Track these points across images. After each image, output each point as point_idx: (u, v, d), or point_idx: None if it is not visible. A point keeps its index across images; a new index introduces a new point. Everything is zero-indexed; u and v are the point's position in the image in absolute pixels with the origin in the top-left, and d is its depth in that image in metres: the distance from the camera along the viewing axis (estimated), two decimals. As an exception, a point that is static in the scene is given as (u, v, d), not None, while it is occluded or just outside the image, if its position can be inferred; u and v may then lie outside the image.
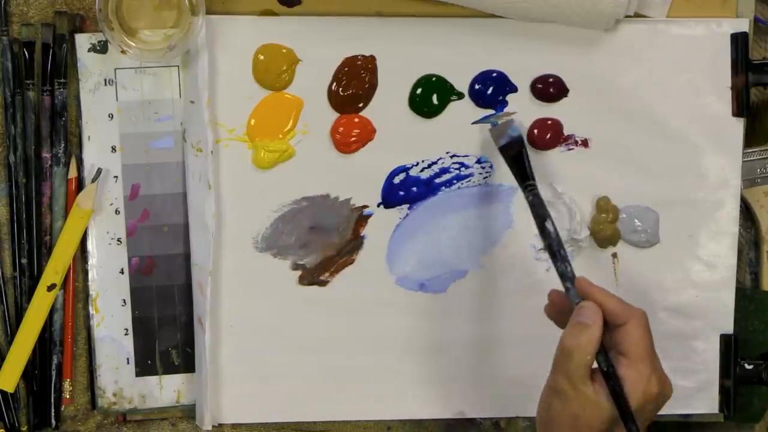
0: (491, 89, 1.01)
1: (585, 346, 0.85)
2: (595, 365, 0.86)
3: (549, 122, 1.02)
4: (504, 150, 0.97)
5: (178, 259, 1.01)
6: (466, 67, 1.01)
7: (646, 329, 0.87)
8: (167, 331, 1.01)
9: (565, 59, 1.01)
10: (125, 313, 1.01)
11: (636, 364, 0.85)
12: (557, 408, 0.87)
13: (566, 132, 1.02)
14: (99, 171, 0.99)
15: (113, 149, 1.00)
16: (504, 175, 1.02)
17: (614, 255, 1.03)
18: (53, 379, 1.00)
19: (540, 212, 0.92)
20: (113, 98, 0.99)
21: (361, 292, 1.02)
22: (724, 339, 1.04)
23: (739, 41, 1.01)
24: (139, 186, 1.00)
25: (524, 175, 0.95)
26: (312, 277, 1.02)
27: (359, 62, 1.00)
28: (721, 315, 1.04)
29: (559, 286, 0.90)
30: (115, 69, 0.99)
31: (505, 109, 1.01)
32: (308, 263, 1.02)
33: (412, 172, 1.02)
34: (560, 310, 0.91)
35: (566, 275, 0.90)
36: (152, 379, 1.01)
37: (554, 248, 0.91)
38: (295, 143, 1.01)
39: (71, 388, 1.01)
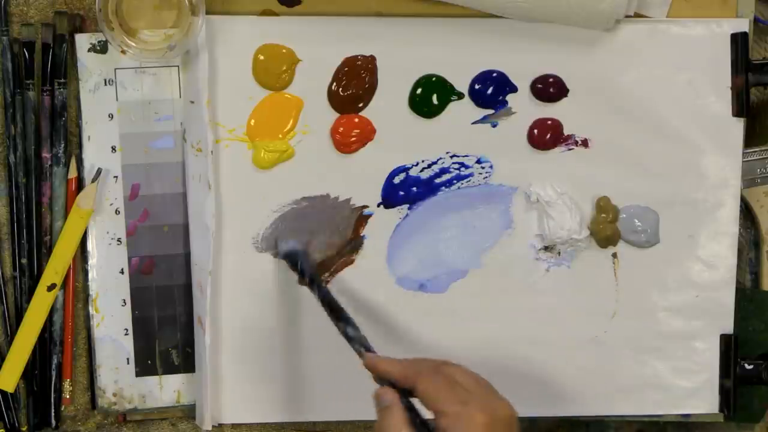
0: (491, 89, 1.01)
1: (393, 427, 0.84)
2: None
3: (549, 122, 1.02)
4: (286, 258, 1.00)
5: (178, 259, 1.01)
6: (466, 67, 1.01)
7: (436, 378, 0.84)
8: (167, 331, 1.01)
9: (565, 59, 1.01)
10: (125, 313, 1.01)
11: (445, 411, 0.83)
12: None
13: (566, 132, 1.02)
14: (99, 171, 0.99)
15: (113, 149, 1.00)
16: (504, 175, 1.02)
17: (614, 255, 1.03)
18: (53, 379, 1.00)
19: (330, 304, 0.95)
20: (113, 98, 0.99)
21: (361, 292, 1.02)
22: (724, 339, 1.04)
23: (739, 41, 1.01)
24: (139, 186, 1.00)
25: (304, 274, 0.98)
26: (312, 277, 1.02)
27: (359, 62, 1.00)
28: (721, 315, 1.04)
29: None
30: (115, 69, 0.99)
31: (505, 109, 1.01)
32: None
33: (412, 172, 1.02)
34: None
35: (360, 355, 0.91)
36: (152, 379, 1.01)
37: (348, 334, 0.92)
38: (295, 143, 1.01)
39: (71, 388, 1.01)
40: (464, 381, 0.85)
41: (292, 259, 0.99)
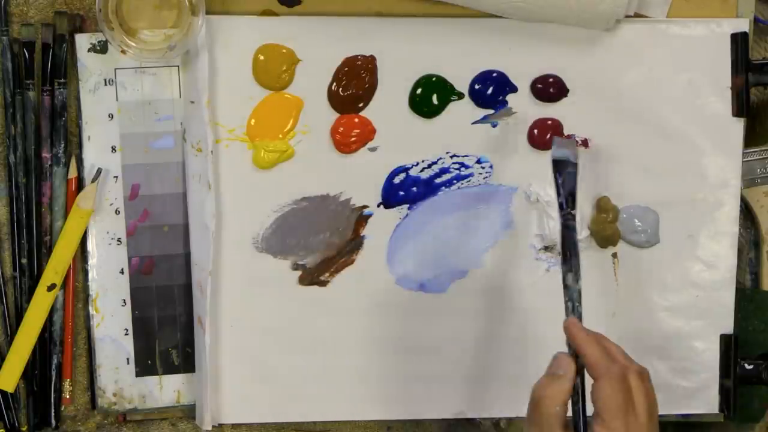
0: (491, 89, 1.01)
1: (553, 396, 0.85)
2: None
3: (549, 122, 1.02)
4: (556, 164, 0.96)
5: (178, 259, 1.01)
6: (466, 67, 1.01)
7: (616, 386, 0.84)
8: (167, 331, 1.01)
9: (565, 59, 1.01)
10: (125, 313, 1.01)
11: (608, 423, 0.83)
12: None
13: (566, 132, 1.02)
14: (99, 171, 0.99)
15: (113, 149, 1.00)
16: (504, 175, 1.02)
17: (614, 255, 1.03)
18: (53, 379, 1.00)
19: (568, 240, 0.92)
20: (113, 98, 0.99)
21: (361, 292, 1.02)
22: (724, 339, 1.04)
23: (739, 41, 1.01)
24: (139, 186, 1.00)
25: (567, 201, 0.94)
26: (312, 277, 1.02)
27: (359, 62, 1.00)
28: (721, 315, 1.04)
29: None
30: (115, 69, 0.99)
31: (505, 109, 1.01)
32: (308, 263, 1.02)
33: (412, 172, 1.02)
34: None
35: (566, 313, 0.90)
36: (152, 379, 1.01)
37: (567, 283, 0.90)
38: (295, 143, 1.01)
39: (71, 388, 1.01)
40: (639, 405, 0.84)
41: (559, 168, 0.95)
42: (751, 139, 1.05)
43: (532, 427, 0.86)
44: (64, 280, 0.99)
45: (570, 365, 0.86)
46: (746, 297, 1.05)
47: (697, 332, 1.04)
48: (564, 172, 0.95)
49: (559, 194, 0.94)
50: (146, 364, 1.01)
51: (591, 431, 0.84)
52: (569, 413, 0.86)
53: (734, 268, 1.04)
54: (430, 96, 1.01)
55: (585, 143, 1.02)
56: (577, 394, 0.86)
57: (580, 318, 0.90)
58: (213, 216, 0.98)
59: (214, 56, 0.99)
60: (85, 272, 1.00)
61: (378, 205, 1.02)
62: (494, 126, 1.02)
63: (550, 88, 1.01)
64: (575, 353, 0.87)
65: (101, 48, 0.99)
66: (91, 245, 1.00)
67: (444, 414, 1.04)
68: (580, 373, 0.86)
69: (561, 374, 0.86)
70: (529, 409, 0.86)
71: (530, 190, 1.02)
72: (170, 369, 1.02)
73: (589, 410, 0.86)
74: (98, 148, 1.00)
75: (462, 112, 1.01)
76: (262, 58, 0.99)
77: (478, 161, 1.02)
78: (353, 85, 1.00)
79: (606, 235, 1.02)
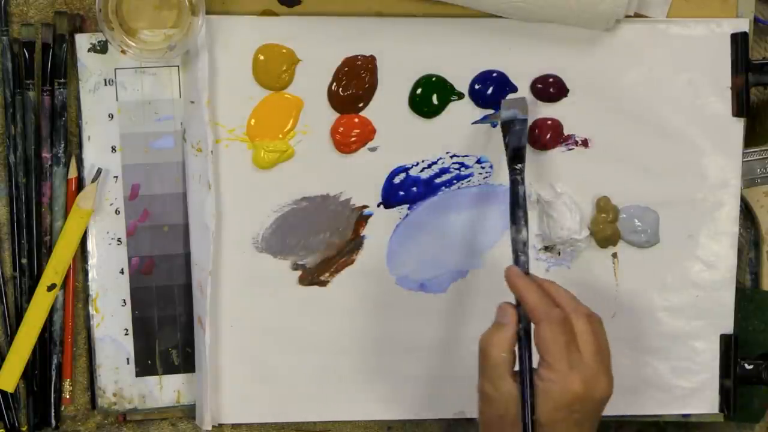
0: (491, 89, 1.01)
1: (498, 344, 0.87)
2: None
3: (549, 122, 1.02)
4: (504, 126, 0.97)
5: (178, 259, 1.01)
6: (466, 67, 1.01)
7: (558, 330, 0.86)
8: (167, 331, 1.01)
9: (565, 59, 1.01)
10: (125, 313, 1.01)
11: (550, 364, 0.85)
12: (484, 410, 0.88)
13: (566, 132, 1.02)
14: (99, 171, 0.99)
15: (113, 149, 1.00)
16: (504, 175, 1.02)
17: (614, 255, 1.03)
18: (53, 379, 1.00)
19: (515, 193, 0.93)
20: (113, 98, 0.99)
21: (361, 292, 1.02)
22: (724, 339, 1.04)
23: (739, 41, 1.01)
24: (139, 186, 1.00)
25: (514, 157, 0.95)
26: (312, 277, 1.02)
27: (359, 62, 1.00)
28: (721, 315, 1.04)
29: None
30: (115, 69, 0.99)
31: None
32: (308, 263, 1.02)
33: (412, 172, 1.02)
34: None
35: (516, 261, 0.91)
36: (152, 379, 1.01)
37: (512, 235, 0.92)
38: (295, 143, 1.01)
39: (71, 388, 1.01)
40: (584, 345, 0.86)
41: (508, 126, 0.96)
42: (751, 139, 1.05)
43: (483, 377, 0.88)
44: (64, 280, 0.99)
45: (512, 313, 0.88)
46: (746, 297, 1.05)
47: (697, 332, 1.04)
48: (512, 130, 0.96)
49: (507, 152, 0.95)
50: (146, 364, 1.01)
51: (536, 374, 0.86)
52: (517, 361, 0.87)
53: (734, 268, 1.04)
54: (430, 96, 1.01)
55: (585, 143, 1.02)
56: (521, 340, 0.88)
57: (524, 267, 0.91)
58: (213, 216, 0.98)
59: (214, 56, 0.99)
60: (85, 272, 1.00)
61: (378, 205, 1.02)
62: (494, 126, 1.02)
63: (550, 88, 1.01)
64: (518, 302, 0.89)
65: (101, 48, 0.99)
66: (91, 245, 1.00)
67: (444, 414, 1.04)
68: (523, 320, 0.88)
69: (505, 323, 0.88)
70: (479, 359, 0.88)
71: (530, 190, 1.02)
72: (170, 369, 1.02)
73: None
74: (98, 148, 0.99)
75: (462, 112, 1.01)
76: (262, 58, 0.99)
77: (478, 161, 1.02)
78: (353, 85, 1.00)
79: (606, 235, 1.02)
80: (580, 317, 0.87)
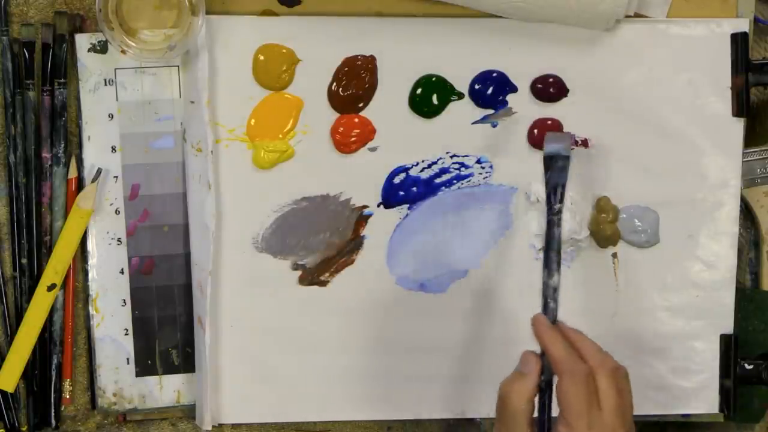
0: (491, 89, 1.01)
1: (518, 393, 0.86)
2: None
3: (549, 122, 1.02)
4: (547, 160, 0.95)
5: (178, 259, 1.01)
6: (466, 67, 1.01)
7: (579, 385, 0.85)
8: (167, 331, 1.01)
9: (565, 59, 1.01)
10: (125, 313, 1.01)
11: (569, 421, 0.84)
12: None
13: (566, 132, 1.02)
14: (99, 171, 0.99)
15: (113, 149, 1.00)
16: (504, 175, 1.02)
17: (614, 255, 1.03)
18: (53, 379, 1.00)
19: (551, 236, 0.91)
20: (113, 98, 0.99)
21: (361, 292, 1.02)
22: (724, 339, 1.04)
23: (739, 41, 1.01)
24: (139, 186, 1.00)
25: (554, 194, 0.93)
26: (312, 277, 1.02)
27: (359, 62, 1.00)
28: (721, 315, 1.04)
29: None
30: (115, 69, 0.99)
31: (505, 109, 1.01)
32: (308, 263, 1.02)
33: (412, 172, 1.02)
34: None
35: (542, 306, 0.90)
36: (152, 379, 1.01)
37: (544, 279, 0.91)
38: (295, 143, 1.01)
39: (71, 388, 1.01)
40: (606, 400, 0.85)
41: (552, 162, 0.93)
42: (751, 139, 1.05)
43: (500, 424, 0.87)
44: (64, 280, 0.99)
45: (536, 363, 0.87)
46: (746, 297, 1.05)
47: (697, 332, 1.04)
48: (554, 166, 0.94)
49: (547, 188, 0.94)
50: (146, 364, 1.01)
51: (554, 430, 0.85)
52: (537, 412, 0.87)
53: (734, 268, 1.04)
54: (430, 96, 1.01)
55: (585, 143, 1.02)
56: (543, 392, 0.87)
57: (553, 314, 0.90)
58: (213, 216, 0.98)
59: (214, 56, 0.99)
60: (85, 272, 1.00)
61: (378, 205, 1.02)
62: (494, 126, 1.02)
63: (550, 88, 1.01)
64: (543, 351, 0.88)
65: (101, 48, 0.99)
66: (91, 245, 1.00)
67: (444, 414, 1.04)
68: (546, 371, 0.87)
69: (527, 372, 0.87)
70: (497, 406, 0.87)
71: (530, 190, 1.02)
72: (170, 369, 1.02)
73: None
74: (98, 148, 0.99)
75: (462, 112, 1.01)
76: (262, 58, 0.99)
77: (478, 161, 1.02)
78: (353, 85, 1.00)
79: (606, 235, 1.02)
80: (604, 372, 0.85)
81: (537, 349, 0.89)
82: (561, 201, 0.93)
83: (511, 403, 0.86)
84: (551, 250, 0.91)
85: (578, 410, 0.84)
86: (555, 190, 0.93)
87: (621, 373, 0.87)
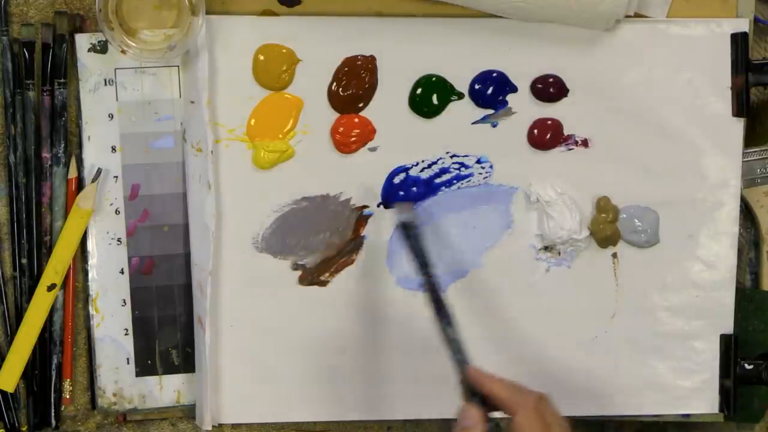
0: (491, 89, 1.01)
1: None
2: None
3: (549, 122, 1.02)
4: (402, 228, 0.97)
5: (178, 259, 1.01)
6: (466, 67, 1.01)
7: (533, 416, 0.86)
8: (167, 331, 1.01)
9: (565, 59, 1.01)
10: (125, 313, 1.01)
11: None
12: None
13: (566, 132, 1.02)
14: (99, 171, 0.99)
15: (113, 149, 1.00)
16: (504, 175, 1.02)
17: (614, 255, 1.03)
18: (53, 379, 1.00)
19: (437, 299, 0.93)
20: (113, 98, 0.99)
21: (361, 292, 1.02)
22: (724, 339, 1.04)
23: (739, 41, 1.01)
24: (139, 186, 1.00)
25: (421, 262, 0.95)
26: (312, 277, 1.02)
27: (359, 62, 1.00)
28: (721, 315, 1.04)
29: None
30: (115, 69, 0.99)
31: (505, 109, 1.01)
32: (308, 263, 1.02)
33: (412, 172, 1.02)
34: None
35: (459, 364, 0.90)
36: (152, 379, 1.01)
37: (449, 336, 0.91)
38: (295, 143, 1.01)
39: (71, 388, 1.01)
40: (554, 423, 0.86)
41: (407, 231, 0.96)
42: (751, 139, 1.05)
43: None
44: (64, 280, 0.99)
45: (477, 413, 0.87)
46: (746, 297, 1.05)
47: (697, 332, 1.04)
48: (410, 234, 0.96)
49: (415, 256, 0.95)
50: (146, 364, 1.01)
51: None
52: None
53: (734, 268, 1.04)
54: (430, 96, 1.01)
55: (585, 143, 1.02)
56: None
57: (469, 360, 0.90)
58: (213, 216, 0.98)
59: (214, 56, 0.99)
60: (85, 272, 1.00)
61: (378, 205, 1.02)
62: (494, 126, 1.02)
63: (550, 88, 1.01)
64: (480, 400, 0.87)
65: (101, 48, 0.99)
66: (91, 245, 1.00)
67: (444, 414, 1.04)
68: (487, 418, 0.87)
69: (471, 425, 0.86)
70: None
71: (530, 190, 1.02)
72: (170, 369, 1.02)
73: None
74: (98, 148, 1.00)
75: (462, 112, 1.01)
76: (262, 58, 0.99)
77: (478, 161, 1.02)
78: (353, 85, 1.00)
79: (606, 235, 1.02)
80: (541, 400, 0.87)
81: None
82: (429, 264, 0.94)
83: None
84: (441, 309, 0.92)
85: None
86: (419, 255, 0.95)
87: (548, 397, 0.88)
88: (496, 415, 0.87)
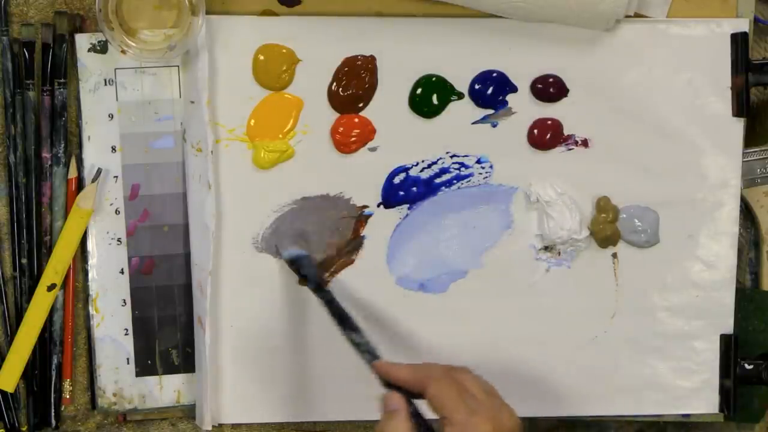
0: (491, 89, 1.01)
1: (398, 431, 0.85)
2: None
3: (549, 122, 1.02)
4: (290, 264, 1.00)
5: (178, 259, 1.01)
6: (466, 67, 1.01)
7: (446, 383, 0.85)
8: (167, 331, 1.01)
9: (565, 59, 1.01)
10: (125, 313, 1.01)
11: (454, 420, 0.83)
12: None
13: (566, 132, 1.02)
14: (99, 171, 0.99)
15: (113, 149, 1.00)
16: (504, 175, 1.02)
17: (614, 255, 1.03)
18: (53, 379, 1.00)
19: (337, 310, 0.94)
20: (113, 98, 0.99)
21: (361, 292, 1.02)
22: (724, 339, 1.04)
23: (739, 41, 1.01)
24: (139, 186, 1.00)
25: (310, 280, 0.98)
26: (312, 277, 1.02)
27: (359, 62, 1.00)
28: (721, 315, 1.04)
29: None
30: (115, 69, 0.99)
31: (505, 109, 1.01)
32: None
33: (412, 172, 1.02)
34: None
35: (368, 363, 0.91)
36: (152, 379, 1.01)
37: (355, 341, 0.92)
38: (295, 143, 1.01)
39: (71, 388, 1.01)
40: (473, 388, 0.86)
41: (296, 265, 1.00)
42: (751, 139, 1.05)
43: None
44: (64, 280, 0.99)
45: (397, 397, 0.86)
46: (746, 297, 1.05)
47: (697, 332, 1.04)
48: (303, 265, 0.99)
49: (309, 281, 0.98)
50: (146, 364, 1.01)
51: None
52: None
53: (734, 268, 1.04)
54: (430, 96, 1.01)
55: (585, 143, 1.02)
56: (417, 420, 0.86)
57: (379, 356, 0.91)
58: (213, 216, 0.98)
59: (214, 56, 0.99)
60: (85, 272, 1.00)
61: (378, 205, 1.02)
62: (494, 126, 1.02)
63: (550, 88, 1.01)
64: (395, 386, 0.87)
65: (101, 48, 0.99)
66: (91, 245, 1.00)
67: (444, 414, 1.04)
68: (409, 400, 0.87)
69: (394, 408, 0.86)
70: None
71: (530, 190, 1.02)
72: (170, 369, 1.02)
73: None
74: (98, 148, 1.00)
75: (462, 112, 1.01)
76: (262, 58, 0.99)
77: (478, 161, 1.02)
78: (353, 85, 1.00)
79: (606, 235, 1.02)
80: (452, 370, 0.87)
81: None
82: (325, 285, 0.98)
83: None
84: (344, 318, 0.94)
85: (455, 403, 0.84)
86: (315, 280, 0.97)
87: (466, 368, 0.88)
88: (420, 404, 0.87)
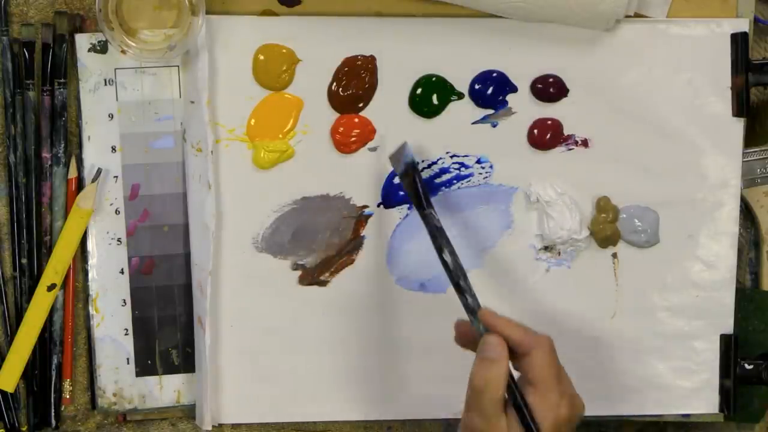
0: (491, 89, 1.01)
1: (494, 381, 0.85)
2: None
3: (549, 122, 1.02)
4: (402, 177, 0.97)
5: (178, 259, 1.01)
6: (466, 67, 1.01)
7: (550, 355, 0.86)
8: (167, 331, 1.01)
9: (565, 59, 1.01)
10: (125, 313, 1.01)
11: (544, 392, 0.85)
12: None
13: (566, 132, 1.02)
14: (99, 171, 0.99)
15: (113, 149, 1.00)
16: (504, 175, 1.02)
17: (614, 255, 1.03)
18: (53, 379, 1.00)
19: (438, 242, 0.92)
20: (113, 98, 0.99)
21: (361, 292, 1.02)
22: (724, 339, 1.04)
23: (739, 41, 1.01)
24: (139, 186, 1.00)
25: (419, 203, 0.94)
26: (312, 277, 1.02)
27: (359, 62, 1.00)
28: (721, 315, 1.04)
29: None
30: (115, 69, 0.99)
31: (505, 109, 1.02)
32: (308, 263, 1.02)
33: (412, 172, 1.02)
34: (469, 340, 0.90)
35: (469, 307, 0.90)
36: (152, 379, 1.01)
37: (455, 279, 0.90)
38: (295, 143, 1.01)
39: (71, 388, 1.01)
40: (562, 368, 0.87)
41: (411, 172, 0.96)
42: (751, 139, 1.05)
43: (474, 415, 0.86)
44: (64, 280, 0.99)
45: (502, 347, 0.86)
46: (746, 297, 1.05)
47: (697, 332, 1.04)
48: (416, 173, 0.95)
49: (418, 196, 0.94)
50: (146, 364, 1.01)
51: (527, 402, 0.85)
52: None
53: (734, 268, 1.04)
54: (430, 96, 1.01)
55: (585, 143, 1.02)
56: (510, 374, 0.86)
57: (479, 302, 0.90)
58: (213, 216, 0.98)
59: (214, 56, 0.99)
60: (85, 272, 1.00)
61: (378, 205, 1.02)
62: (494, 126, 1.02)
63: (550, 88, 1.01)
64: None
65: (101, 48, 0.99)
66: (91, 245, 1.00)
67: (444, 414, 1.04)
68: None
69: (495, 357, 0.86)
70: (470, 398, 0.86)
71: (530, 190, 1.02)
72: (170, 369, 1.02)
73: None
74: (98, 148, 1.00)
75: (462, 112, 1.01)
76: (262, 58, 0.99)
77: (478, 161, 1.02)
78: (353, 85, 1.00)
79: (606, 235, 1.02)
80: (553, 342, 0.87)
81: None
82: (430, 204, 0.94)
83: (491, 392, 0.85)
84: (443, 241, 0.91)
85: (551, 381, 0.85)
86: (425, 197, 0.94)
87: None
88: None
